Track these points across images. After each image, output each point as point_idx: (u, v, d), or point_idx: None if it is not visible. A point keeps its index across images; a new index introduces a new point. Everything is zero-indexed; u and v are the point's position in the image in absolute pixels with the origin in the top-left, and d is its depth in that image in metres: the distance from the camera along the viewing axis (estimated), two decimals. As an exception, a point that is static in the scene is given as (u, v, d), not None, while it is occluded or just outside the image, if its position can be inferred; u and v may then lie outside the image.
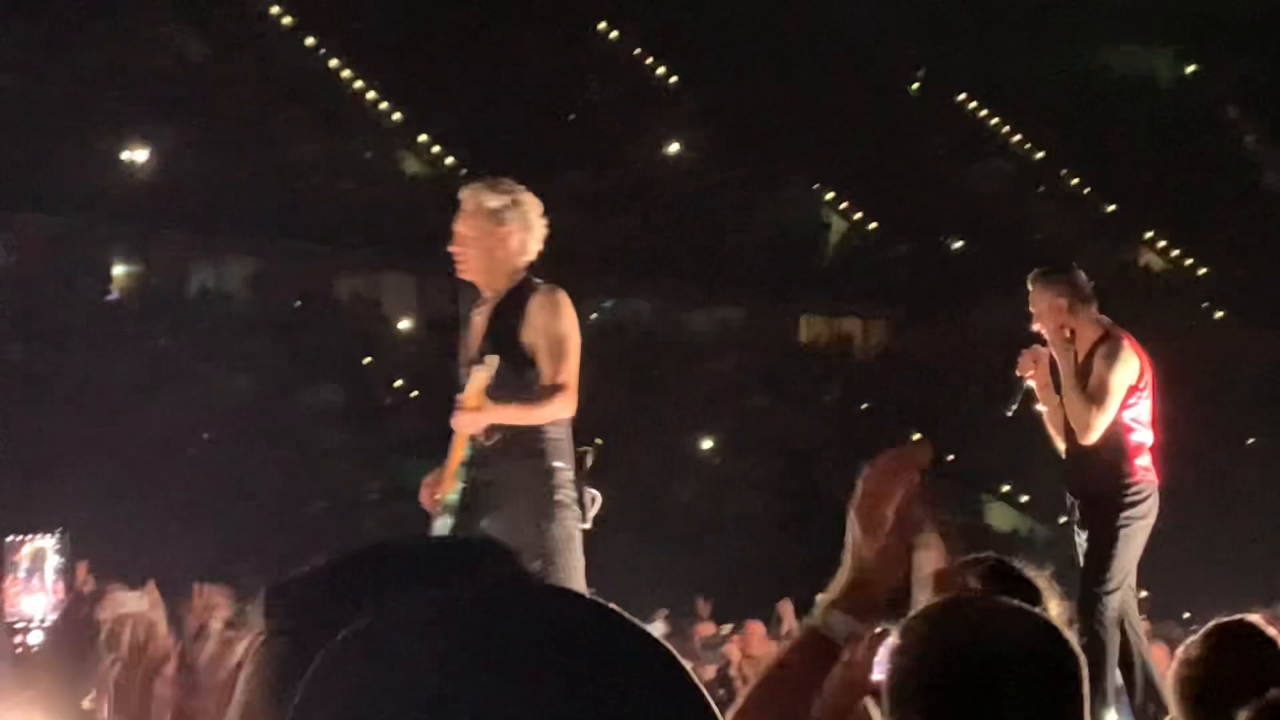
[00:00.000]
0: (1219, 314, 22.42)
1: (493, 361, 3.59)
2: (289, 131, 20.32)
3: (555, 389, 3.62)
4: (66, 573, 7.08)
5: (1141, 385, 4.60)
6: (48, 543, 7.25)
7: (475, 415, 3.58)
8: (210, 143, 19.55)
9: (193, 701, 2.15)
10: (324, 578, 0.65)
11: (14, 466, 13.46)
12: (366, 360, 19.06)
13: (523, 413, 3.62)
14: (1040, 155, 24.99)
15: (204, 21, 21.12)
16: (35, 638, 6.22)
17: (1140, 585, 4.96)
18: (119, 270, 20.06)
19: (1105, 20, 24.44)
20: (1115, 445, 4.54)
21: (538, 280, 3.80)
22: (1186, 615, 10.92)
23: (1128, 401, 4.54)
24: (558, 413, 3.63)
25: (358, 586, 0.59)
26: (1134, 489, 4.55)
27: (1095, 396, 4.47)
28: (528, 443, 3.63)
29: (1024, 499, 18.95)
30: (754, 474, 18.69)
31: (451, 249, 3.77)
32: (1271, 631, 2.42)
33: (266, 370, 17.80)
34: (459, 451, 3.64)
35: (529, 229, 3.77)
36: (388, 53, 21.58)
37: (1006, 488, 19.25)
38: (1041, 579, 2.10)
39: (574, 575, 3.57)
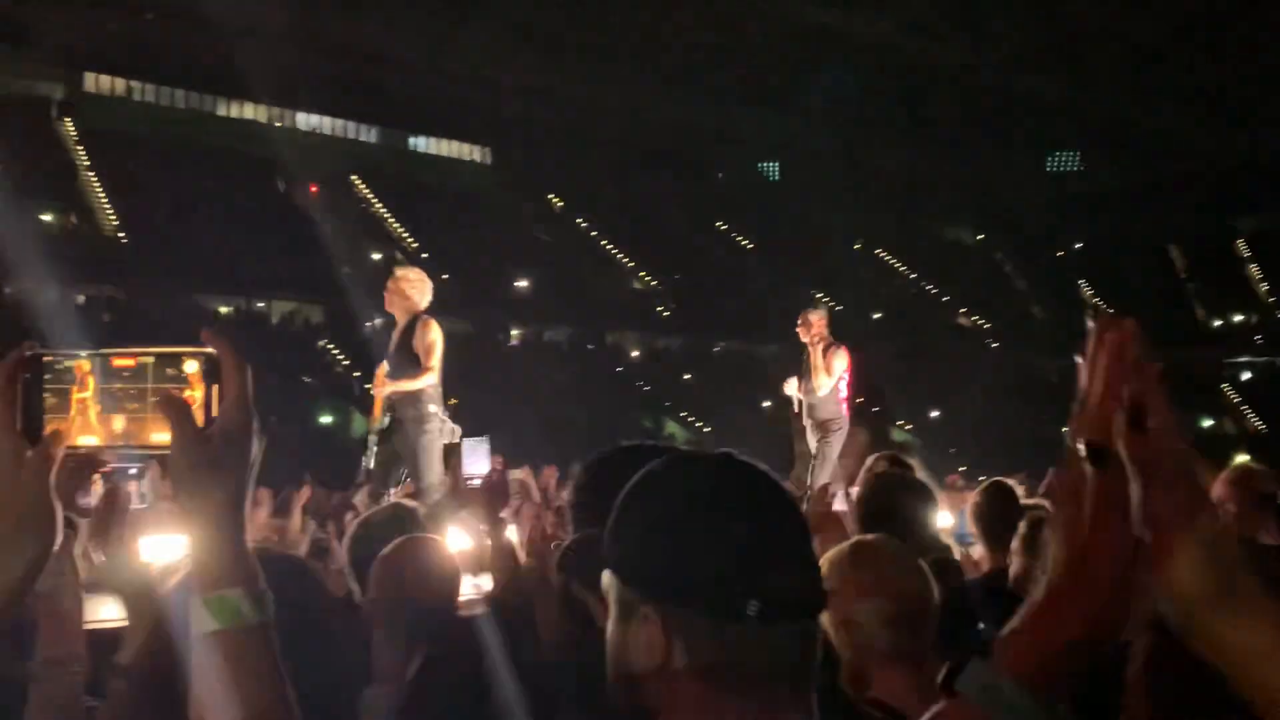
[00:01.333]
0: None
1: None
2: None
3: (424, 372, 6.61)
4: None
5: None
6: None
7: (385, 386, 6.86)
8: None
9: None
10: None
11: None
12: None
13: (408, 384, 6.67)
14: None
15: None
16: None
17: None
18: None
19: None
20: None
21: (425, 315, 6.91)
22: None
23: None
24: (426, 384, 6.64)
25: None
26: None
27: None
28: (413, 398, 6.64)
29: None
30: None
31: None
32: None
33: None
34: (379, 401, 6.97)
35: (422, 290, 7.01)
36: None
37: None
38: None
39: (434, 464, 6.39)
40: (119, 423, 1.11)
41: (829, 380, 8.00)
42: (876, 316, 40.87)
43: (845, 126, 44.41)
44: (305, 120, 42.17)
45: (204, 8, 35.01)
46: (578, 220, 44.88)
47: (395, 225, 40.10)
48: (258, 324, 33.72)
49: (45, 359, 1.10)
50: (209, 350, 1.09)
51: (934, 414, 35.05)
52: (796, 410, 8.31)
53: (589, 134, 43.04)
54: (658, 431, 30.57)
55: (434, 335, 6.73)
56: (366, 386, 28.15)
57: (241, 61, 37.11)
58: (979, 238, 54.08)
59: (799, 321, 8.23)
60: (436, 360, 6.65)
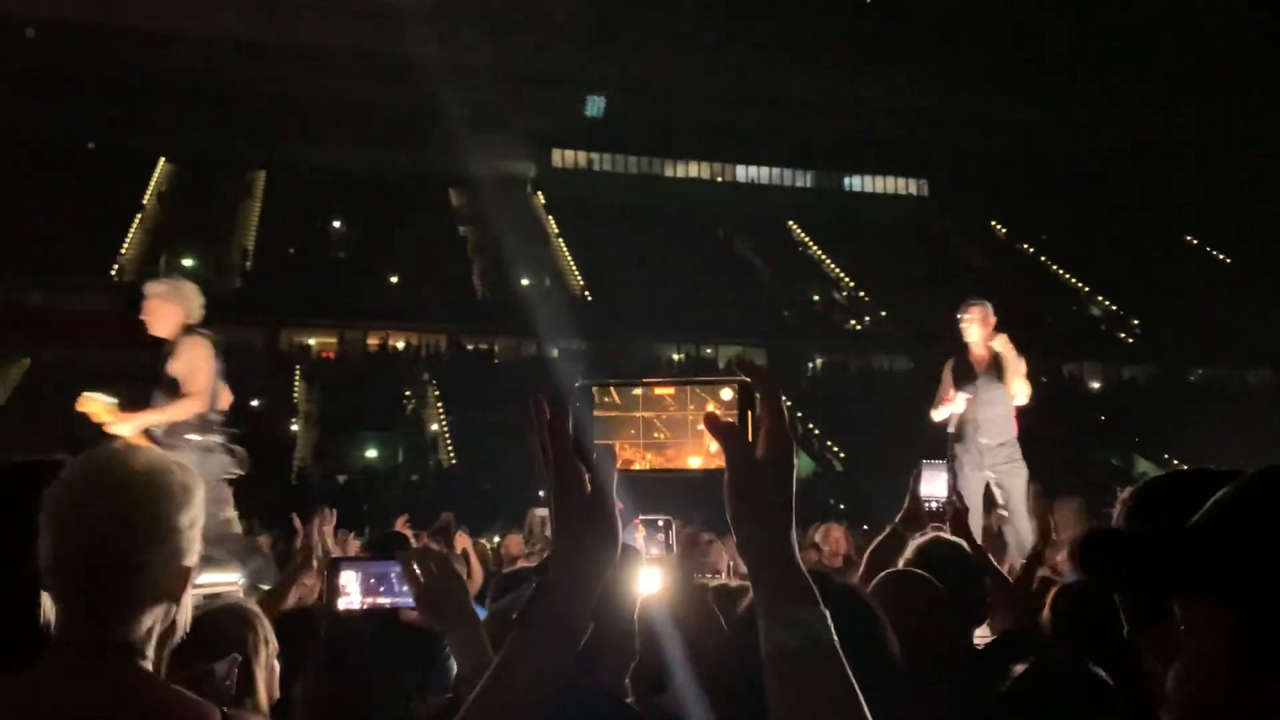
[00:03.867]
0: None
1: None
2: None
3: (180, 399, 5.65)
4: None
5: None
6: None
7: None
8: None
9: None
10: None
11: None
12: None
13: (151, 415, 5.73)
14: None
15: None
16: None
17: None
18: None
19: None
20: None
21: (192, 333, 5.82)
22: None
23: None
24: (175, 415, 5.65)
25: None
26: None
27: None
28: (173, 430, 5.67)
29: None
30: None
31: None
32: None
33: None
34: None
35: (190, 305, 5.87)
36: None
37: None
38: None
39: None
40: (661, 447, 1.18)
41: (1023, 385, 6.27)
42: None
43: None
44: (744, 173, 44.00)
45: (651, 80, 37.89)
46: (1023, 246, 42.61)
47: (832, 266, 40.47)
48: (708, 369, 35.40)
49: (594, 389, 1.19)
50: (744, 379, 1.15)
51: None
52: (955, 431, 6.45)
53: (1028, 156, 40.88)
54: (1127, 470, 27.97)
55: (194, 355, 5.71)
56: (810, 426, 28.83)
57: (687, 125, 39.59)
58: None
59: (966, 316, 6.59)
60: (199, 385, 5.64)
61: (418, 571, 1.81)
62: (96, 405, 5.69)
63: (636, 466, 1.18)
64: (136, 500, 1.41)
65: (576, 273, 37.15)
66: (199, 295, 6.05)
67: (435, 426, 28.40)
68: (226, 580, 4.96)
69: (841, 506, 17.61)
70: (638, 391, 1.19)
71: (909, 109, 40.16)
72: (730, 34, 35.48)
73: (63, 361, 26.51)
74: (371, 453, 27.66)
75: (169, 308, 5.83)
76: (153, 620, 1.42)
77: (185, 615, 1.50)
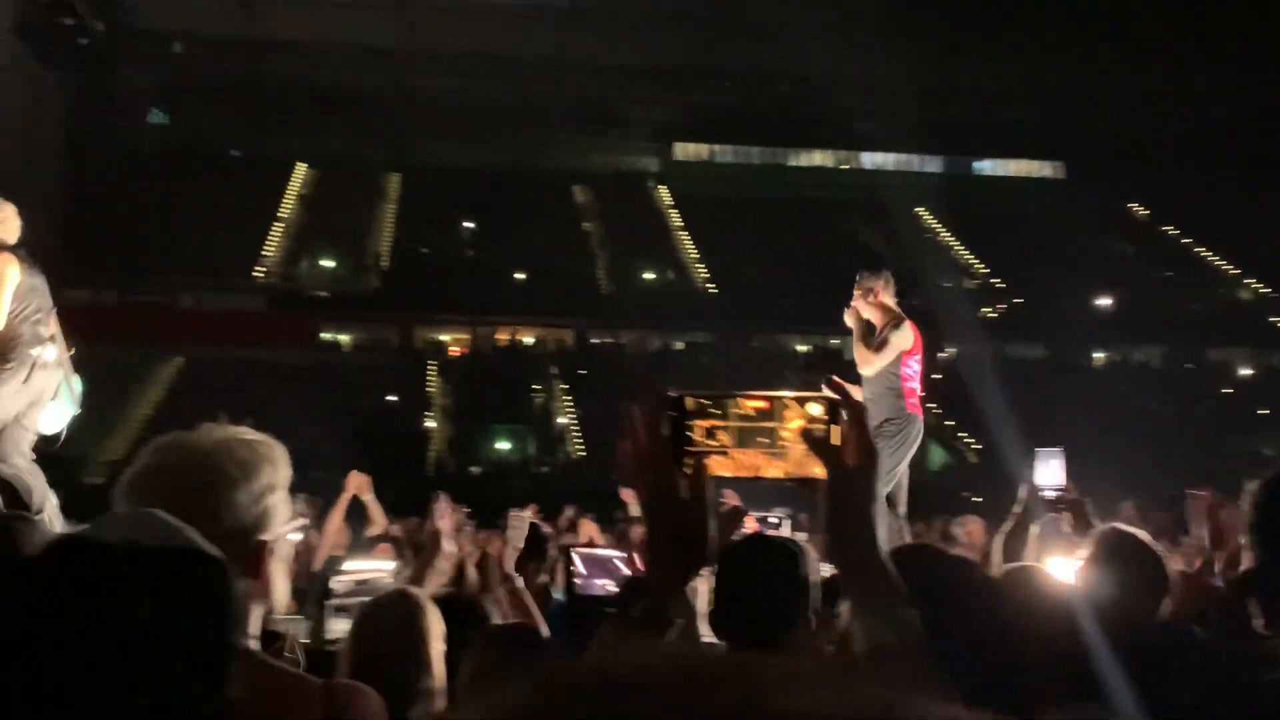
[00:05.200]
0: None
1: None
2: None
3: None
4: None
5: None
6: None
7: None
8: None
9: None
10: None
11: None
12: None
13: None
14: None
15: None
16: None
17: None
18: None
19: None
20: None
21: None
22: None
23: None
24: None
25: None
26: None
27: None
28: None
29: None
30: None
31: None
32: None
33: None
34: None
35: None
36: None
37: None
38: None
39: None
40: (751, 457, 1.25)
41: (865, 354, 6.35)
42: None
43: None
44: (870, 159, 43.26)
45: (772, 69, 37.59)
46: (1165, 229, 40.80)
47: (964, 253, 39.49)
48: (833, 360, 35.00)
49: (688, 401, 1.25)
50: (831, 395, 1.24)
51: None
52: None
53: (1169, 133, 39.08)
54: (1281, 460, 26.50)
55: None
56: (942, 417, 28.20)
57: (809, 113, 39.16)
58: None
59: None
60: (3, 303, 5.50)
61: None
62: None
63: (727, 473, 1.23)
64: (196, 479, 1.45)
65: (700, 265, 37.17)
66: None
67: (563, 420, 28.83)
68: (380, 567, 5.14)
69: (976, 499, 17.21)
70: (729, 402, 1.25)
71: (1039, 88, 38.85)
72: (850, 19, 34.94)
73: (213, 359, 27.87)
74: (503, 445, 28.26)
75: None
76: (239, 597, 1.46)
77: (280, 590, 1.53)
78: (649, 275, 36.83)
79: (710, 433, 1.25)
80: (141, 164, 33.19)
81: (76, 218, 27.74)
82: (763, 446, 1.25)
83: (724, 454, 1.23)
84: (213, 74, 35.64)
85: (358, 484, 6.88)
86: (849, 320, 6.74)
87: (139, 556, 0.98)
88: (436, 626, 2.44)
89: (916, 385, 6.65)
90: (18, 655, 0.94)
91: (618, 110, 40.13)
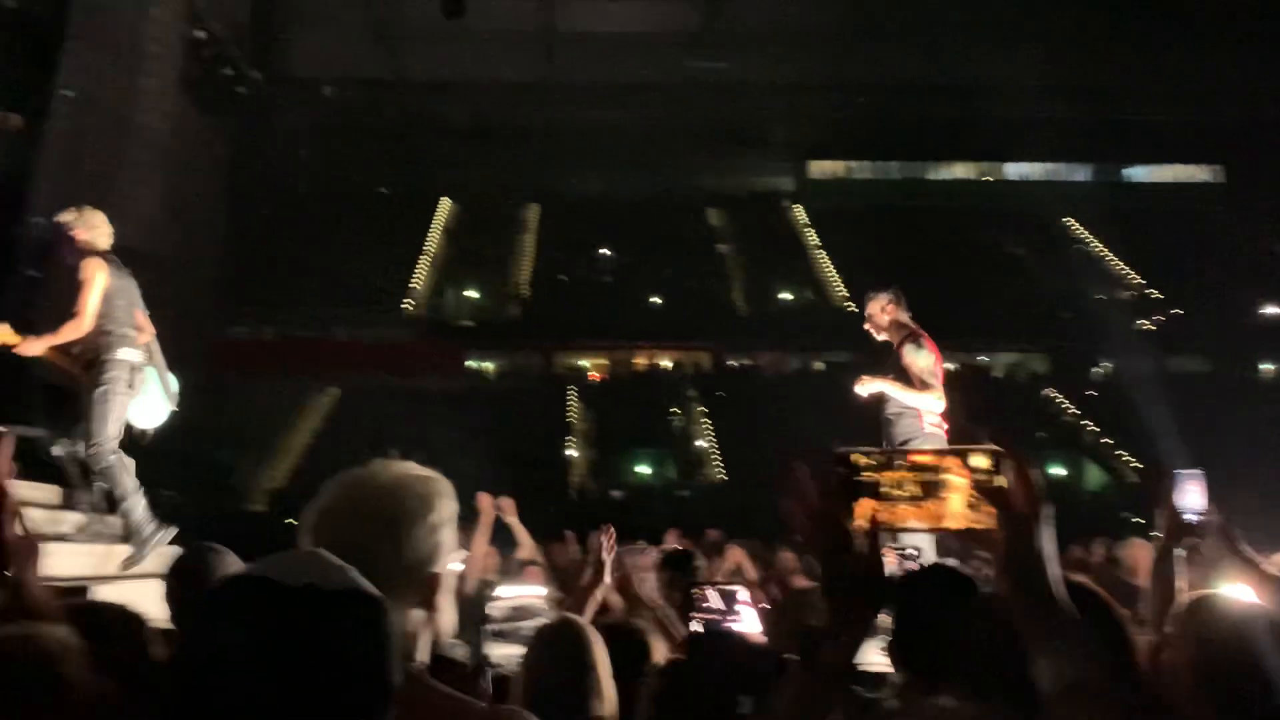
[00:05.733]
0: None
1: None
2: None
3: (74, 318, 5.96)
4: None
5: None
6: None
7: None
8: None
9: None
10: None
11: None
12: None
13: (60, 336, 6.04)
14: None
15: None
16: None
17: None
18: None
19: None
20: None
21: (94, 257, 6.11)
22: None
23: None
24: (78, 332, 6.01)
25: None
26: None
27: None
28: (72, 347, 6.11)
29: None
30: None
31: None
32: None
33: None
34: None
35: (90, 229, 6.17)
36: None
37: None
38: None
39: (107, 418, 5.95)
40: (917, 506, 1.31)
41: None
42: None
43: None
44: (1014, 170, 42.05)
45: (908, 81, 36.98)
46: (1339, 230, 38.29)
47: (1116, 263, 37.90)
48: (979, 377, 34.01)
49: (856, 457, 1.31)
50: (995, 447, 1.30)
51: None
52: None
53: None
54: None
55: (87, 274, 6.03)
56: (1099, 435, 27.06)
57: (949, 124, 38.33)
58: None
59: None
60: (87, 304, 5.97)
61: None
62: None
63: (895, 524, 1.25)
64: (379, 515, 1.51)
65: (839, 283, 36.71)
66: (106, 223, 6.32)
67: (702, 442, 28.81)
68: (533, 592, 5.23)
69: (1137, 520, 16.43)
70: (896, 456, 1.27)
71: (1195, 87, 37.06)
72: (988, 24, 34.09)
73: (366, 389, 28.91)
74: (643, 469, 28.41)
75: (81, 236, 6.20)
76: (412, 626, 1.51)
77: (448, 618, 1.58)
78: (786, 295, 36.57)
79: (880, 487, 1.29)
80: (296, 204, 34.82)
81: (238, 258, 29.27)
82: (929, 496, 1.29)
83: (896, 506, 1.26)
84: (361, 115, 37.16)
85: (503, 507, 7.02)
86: (864, 391, 6.76)
87: (306, 595, 1.03)
88: (604, 654, 2.47)
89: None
90: (189, 682, 1.00)
91: (751, 131, 40.08)
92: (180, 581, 3.33)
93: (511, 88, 36.86)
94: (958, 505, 1.26)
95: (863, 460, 1.31)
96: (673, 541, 8.41)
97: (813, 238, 39.49)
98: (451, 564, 1.60)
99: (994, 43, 34.54)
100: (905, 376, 6.39)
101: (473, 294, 37.18)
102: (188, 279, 23.19)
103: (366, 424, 23.91)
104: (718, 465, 27.13)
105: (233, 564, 3.16)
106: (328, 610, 1.02)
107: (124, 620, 2.14)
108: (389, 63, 36.41)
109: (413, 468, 1.63)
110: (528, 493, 10.31)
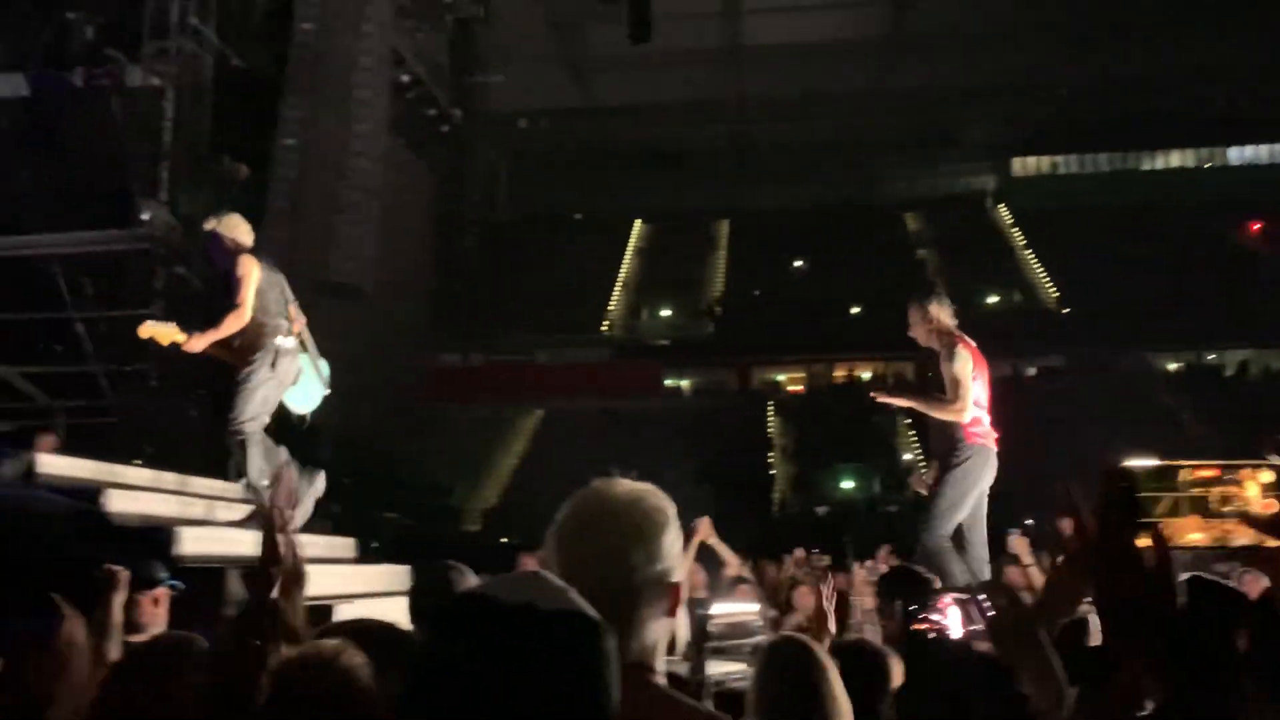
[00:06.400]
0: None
1: None
2: None
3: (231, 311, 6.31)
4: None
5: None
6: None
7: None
8: None
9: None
10: None
11: None
12: None
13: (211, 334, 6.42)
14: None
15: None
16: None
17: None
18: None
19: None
20: None
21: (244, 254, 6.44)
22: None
23: None
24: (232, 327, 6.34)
25: None
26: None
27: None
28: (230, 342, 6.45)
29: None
30: None
31: None
32: None
33: None
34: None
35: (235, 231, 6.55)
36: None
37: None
38: None
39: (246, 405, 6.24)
40: (1207, 523, 1.31)
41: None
42: None
43: None
44: (1238, 154, 39.23)
45: (1113, 70, 35.09)
46: None
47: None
48: (1211, 378, 31.77)
49: (1138, 470, 1.32)
50: None
51: None
52: None
53: None
54: None
55: (241, 270, 6.38)
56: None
57: (1161, 111, 36.14)
58: None
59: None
60: (245, 297, 6.33)
61: (986, 604, 1.86)
62: (157, 331, 6.32)
63: (1184, 542, 1.20)
64: (628, 527, 1.55)
65: (1049, 284, 35.11)
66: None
67: (908, 455, 28.06)
68: (747, 609, 5.21)
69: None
70: (1179, 470, 1.23)
71: None
72: (1196, 6, 31.93)
73: (568, 410, 29.65)
74: (847, 484, 27.90)
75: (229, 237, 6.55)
76: (655, 637, 1.52)
77: (683, 630, 1.58)
78: (992, 299, 35.25)
79: (1162, 502, 1.25)
80: (497, 234, 36.17)
81: (446, 289, 30.63)
82: (1217, 513, 1.23)
83: (1183, 522, 1.21)
84: (554, 144, 38.30)
85: (703, 529, 7.02)
86: (899, 402, 6.83)
87: (525, 614, 1.05)
88: (836, 675, 2.44)
89: (980, 412, 6.30)
90: (416, 697, 1.04)
91: (945, 133, 38.96)
92: (424, 598, 3.49)
93: (699, 106, 37.16)
94: (1248, 521, 1.17)
95: (1143, 473, 1.24)
96: (885, 559, 8.18)
97: (1019, 237, 37.96)
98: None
99: (1202, 21, 32.36)
100: (947, 386, 6.29)
101: (667, 313, 37.59)
102: (402, 311, 24.44)
103: (570, 444, 24.50)
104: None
105: (471, 581, 3.28)
106: (545, 629, 1.05)
107: (397, 641, 2.23)
108: (579, 92, 37.40)
109: (637, 485, 1.66)
110: (729, 510, 10.28)
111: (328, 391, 6.90)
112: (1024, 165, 40.62)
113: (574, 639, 1.07)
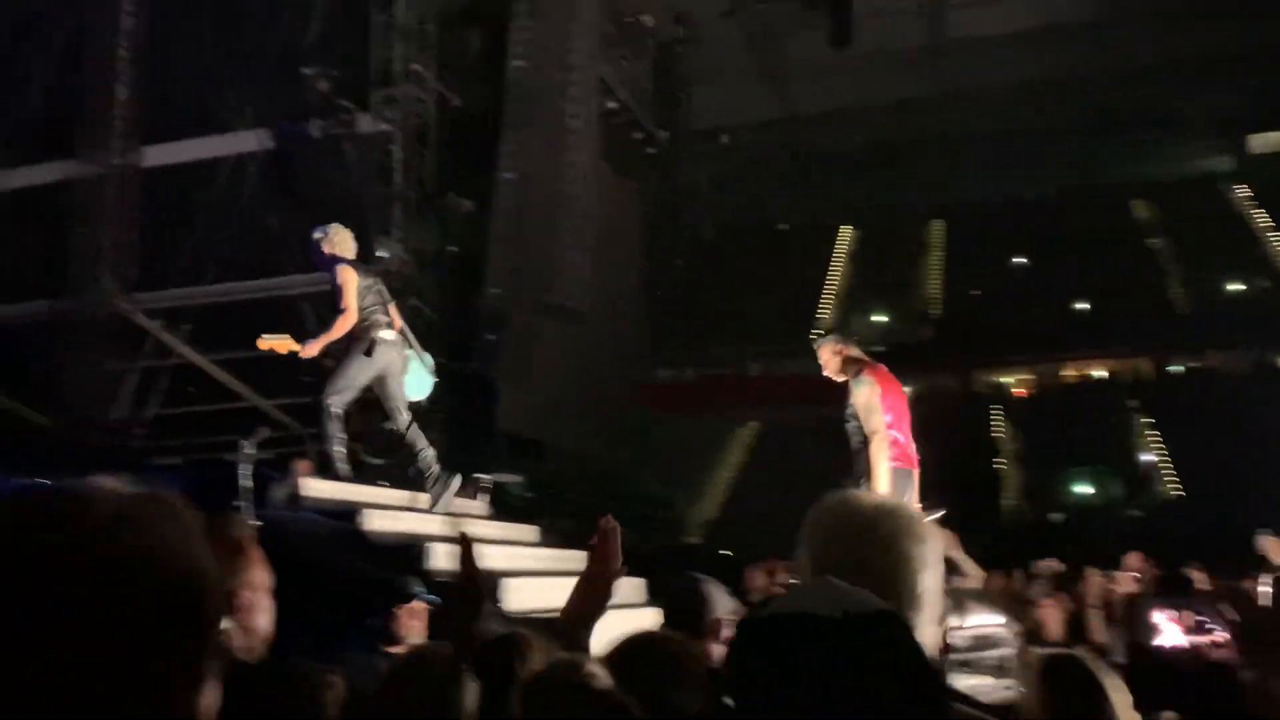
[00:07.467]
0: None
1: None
2: None
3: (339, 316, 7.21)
4: None
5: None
6: None
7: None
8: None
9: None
10: None
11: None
12: None
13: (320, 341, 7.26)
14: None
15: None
16: None
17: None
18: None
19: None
20: None
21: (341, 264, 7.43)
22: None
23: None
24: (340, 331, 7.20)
25: None
26: None
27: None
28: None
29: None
30: None
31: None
32: None
33: None
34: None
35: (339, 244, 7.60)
36: None
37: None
38: None
39: (343, 376, 7.25)
40: None
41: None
42: None
43: None
44: None
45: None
46: None
47: None
48: None
49: None
50: None
51: None
52: None
53: None
54: None
55: (343, 278, 7.21)
56: None
57: None
58: None
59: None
60: (349, 301, 7.18)
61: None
62: (275, 343, 7.06)
63: None
64: (885, 534, 1.56)
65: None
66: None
67: (1149, 457, 26.40)
68: (994, 621, 5.12)
69: None
70: None
71: None
72: None
73: (783, 421, 29.50)
74: (1084, 489, 26.51)
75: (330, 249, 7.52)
76: (930, 639, 1.56)
77: (930, 639, 1.60)
78: (1234, 286, 32.76)
79: None
80: (705, 250, 36.47)
81: (658, 305, 31.15)
82: None
83: None
84: (757, 156, 38.29)
85: (944, 541, 6.91)
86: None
87: (850, 623, 1.09)
88: (1120, 694, 2.41)
89: (897, 434, 6.23)
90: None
91: (1172, 112, 36.51)
92: (680, 610, 3.61)
93: (902, 104, 36.33)
94: None
95: None
96: (1135, 565, 7.79)
97: (1262, 218, 35.12)
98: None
99: None
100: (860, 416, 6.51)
101: (882, 318, 36.84)
102: (617, 330, 25.05)
103: (787, 456, 24.40)
104: (1172, 481, 24.75)
105: (718, 593, 3.39)
106: (875, 632, 1.08)
107: (682, 657, 2.29)
108: (780, 102, 37.27)
109: (873, 495, 1.68)
110: (958, 518, 10.00)
111: (435, 380, 7.76)
112: (1264, 141, 37.51)
113: (899, 634, 1.11)
